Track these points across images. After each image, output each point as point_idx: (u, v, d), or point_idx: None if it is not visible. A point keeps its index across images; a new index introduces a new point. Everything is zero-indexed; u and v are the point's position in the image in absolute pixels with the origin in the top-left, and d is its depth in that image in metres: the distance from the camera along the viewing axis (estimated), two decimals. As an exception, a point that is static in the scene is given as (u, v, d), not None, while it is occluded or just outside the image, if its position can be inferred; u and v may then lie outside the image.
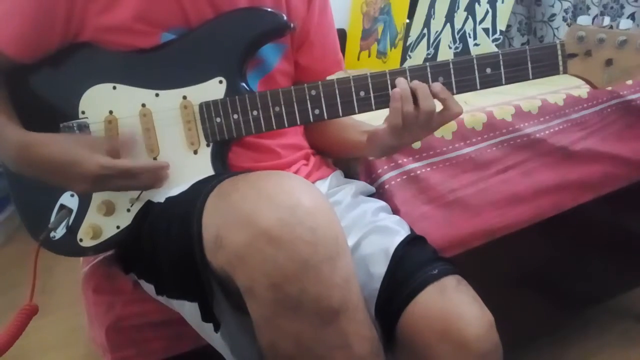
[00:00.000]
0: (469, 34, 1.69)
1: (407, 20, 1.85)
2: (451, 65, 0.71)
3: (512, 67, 0.71)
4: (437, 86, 0.71)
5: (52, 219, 0.79)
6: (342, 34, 2.11)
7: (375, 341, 0.61)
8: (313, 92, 0.73)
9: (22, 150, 0.73)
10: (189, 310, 0.68)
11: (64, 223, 0.78)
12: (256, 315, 0.58)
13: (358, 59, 2.04)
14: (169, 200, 0.73)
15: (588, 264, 1.22)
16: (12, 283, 1.47)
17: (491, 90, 0.84)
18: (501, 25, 1.62)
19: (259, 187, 0.59)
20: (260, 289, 0.55)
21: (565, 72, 0.72)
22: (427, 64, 0.72)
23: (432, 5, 1.80)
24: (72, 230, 0.79)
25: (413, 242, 0.75)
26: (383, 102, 0.73)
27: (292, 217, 0.55)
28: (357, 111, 0.74)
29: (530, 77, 0.72)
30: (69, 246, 0.80)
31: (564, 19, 1.73)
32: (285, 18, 0.76)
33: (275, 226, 0.54)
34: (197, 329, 0.72)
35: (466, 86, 0.72)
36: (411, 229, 0.78)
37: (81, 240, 0.79)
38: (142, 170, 0.73)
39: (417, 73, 0.72)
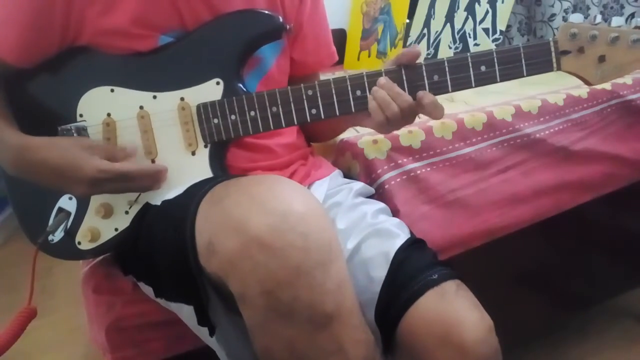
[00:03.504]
0: (469, 34, 1.69)
1: (407, 20, 1.85)
2: (446, 64, 0.72)
3: (506, 64, 0.72)
4: (420, 93, 0.72)
5: (50, 222, 0.79)
6: (342, 34, 2.10)
7: (371, 345, 0.60)
8: (310, 92, 0.74)
9: (20, 154, 0.73)
10: (186, 313, 0.68)
11: (62, 226, 0.78)
12: (250, 321, 0.58)
13: (358, 59, 2.04)
14: (165, 203, 0.73)
15: (588, 264, 1.22)
16: (12, 283, 1.47)
17: (491, 90, 0.84)
18: (501, 25, 1.62)
19: (250, 192, 0.58)
20: (252, 295, 0.55)
21: (559, 69, 0.73)
22: (422, 62, 0.72)
23: (432, 5, 1.79)
24: (70, 233, 0.79)
25: (413, 245, 0.75)
26: None
27: (283, 223, 0.54)
28: (353, 110, 0.74)
29: (525, 74, 0.72)
30: (67, 249, 0.80)
31: (564, 19, 1.74)
32: (281, 20, 0.76)
33: (266, 232, 0.54)
34: (195, 331, 0.72)
35: (461, 84, 0.73)
36: (411, 232, 0.78)
37: (79, 243, 0.79)
38: (139, 174, 0.73)
39: (412, 72, 0.72)
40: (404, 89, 0.72)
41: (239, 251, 0.54)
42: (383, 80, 0.72)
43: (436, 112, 0.72)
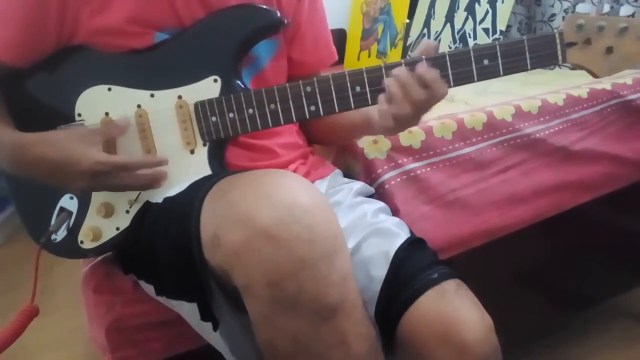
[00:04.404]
0: (469, 34, 1.69)
1: (407, 20, 1.85)
2: (447, 58, 0.70)
3: (509, 57, 0.70)
4: (421, 68, 0.69)
5: (53, 221, 0.79)
6: (342, 34, 2.10)
7: (373, 339, 0.61)
8: (308, 89, 0.73)
9: (16, 151, 0.73)
10: (188, 310, 0.68)
11: (64, 225, 0.78)
12: (254, 313, 0.58)
13: (358, 59, 2.04)
14: (167, 200, 0.73)
15: (588, 264, 1.22)
16: (12, 283, 1.47)
17: (491, 90, 0.84)
18: (501, 25, 1.62)
19: (256, 185, 0.59)
20: (257, 287, 0.55)
21: (564, 61, 0.71)
22: (423, 56, 0.70)
23: (432, 5, 1.80)
24: (73, 232, 0.79)
25: (413, 245, 0.75)
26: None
27: (289, 215, 0.55)
28: (353, 106, 0.73)
29: (529, 67, 0.70)
30: (70, 248, 0.80)
31: (564, 19, 1.73)
32: (278, 14, 0.76)
33: (273, 224, 0.54)
34: (197, 328, 0.72)
35: (463, 78, 0.71)
36: (411, 232, 0.78)
37: (82, 242, 0.79)
38: (138, 166, 0.72)
39: (414, 66, 0.71)
40: None
41: (245, 243, 0.54)
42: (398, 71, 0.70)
43: (442, 88, 0.69)
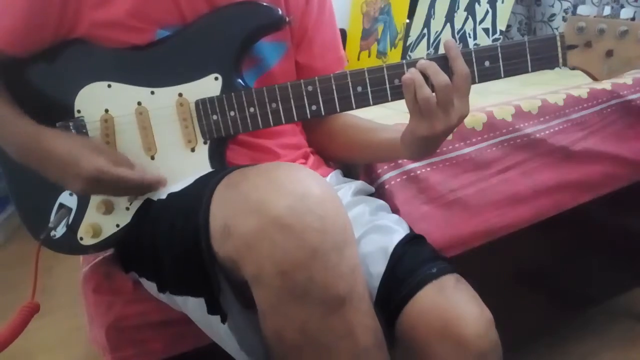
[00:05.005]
0: (469, 34, 1.69)
1: (407, 20, 1.85)
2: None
3: (511, 59, 0.70)
4: (450, 42, 0.68)
5: (52, 218, 0.79)
6: (342, 34, 2.10)
7: (379, 332, 0.61)
8: (310, 88, 0.73)
9: (30, 140, 0.74)
10: (192, 306, 0.68)
11: (63, 222, 0.78)
12: (263, 303, 0.58)
13: (358, 59, 2.04)
14: (172, 195, 0.73)
15: (588, 264, 1.22)
16: (13, 282, 1.47)
17: (491, 90, 0.84)
18: (501, 25, 1.62)
19: (268, 176, 0.59)
20: (268, 276, 0.55)
21: (564, 64, 0.71)
22: (424, 56, 0.71)
23: (432, 5, 1.79)
24: (72, 229, 0.79)
25: (412, 241, 0.75)
26: (380, 97, 0.72)
27: (302, 205, 0.55)
28: (354, 107, 0.73)
29: (530, 69, 0.71)
30: (70, 245, 0.80)
31: (564, 19, 1.74)
32: (280, 12, 0.75)
33: (286, 214, 0.54)
34: (201, 324, 0.71)
35: None
36: (410, 228, 0.78)
37: (82, 238, 0.79)
38: (136, 182, 0.73)
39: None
40: None
41: (257, 232, 0.55)
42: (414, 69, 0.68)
43: (463, 68, 0.67)
